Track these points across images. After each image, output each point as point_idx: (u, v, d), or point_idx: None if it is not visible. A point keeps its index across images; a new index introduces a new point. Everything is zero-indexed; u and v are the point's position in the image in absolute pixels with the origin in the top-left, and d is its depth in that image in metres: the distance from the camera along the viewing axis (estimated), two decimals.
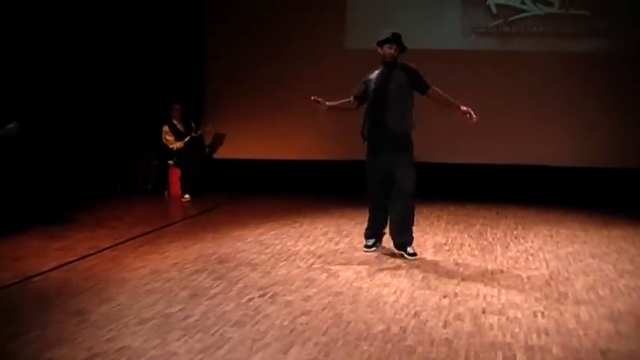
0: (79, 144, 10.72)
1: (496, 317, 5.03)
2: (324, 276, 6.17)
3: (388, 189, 6.92)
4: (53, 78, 10.24)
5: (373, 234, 7.25)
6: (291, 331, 4.70)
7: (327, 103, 7.05)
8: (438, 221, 8.95)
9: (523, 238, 7.97)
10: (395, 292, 5.68)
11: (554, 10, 11.36)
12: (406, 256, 6.85)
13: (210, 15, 12.15)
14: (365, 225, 7.33)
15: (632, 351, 4.38)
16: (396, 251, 7.00)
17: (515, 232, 8.31)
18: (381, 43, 6.87)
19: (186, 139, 11.23)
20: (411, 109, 6.91)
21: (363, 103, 7.06)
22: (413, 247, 6.94)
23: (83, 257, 6.82)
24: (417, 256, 6.86)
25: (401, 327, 4.79)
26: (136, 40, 11.45)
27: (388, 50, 6.83)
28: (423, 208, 9.46)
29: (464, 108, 6.86)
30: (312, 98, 6.96)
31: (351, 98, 7.11)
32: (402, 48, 6.88)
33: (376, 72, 7.01)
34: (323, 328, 4.75)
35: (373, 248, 7.19)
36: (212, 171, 11.56)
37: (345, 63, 11.69)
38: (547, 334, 4.67)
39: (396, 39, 6.84)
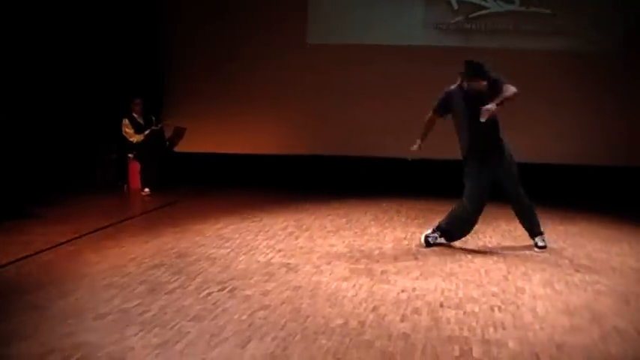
0: (38, 138, 10.56)
1: (453, 311, 5.07)
2: (283, 270, 6.17)
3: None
4: (9, 73, 10.06)
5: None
6: (250, 325, 4.69)
7: (418, 141, 7.20)
8: (398, 216, 8.99)
9: (482, 233, 8.02)
10: (354, 286, 5.70)
11: (515, 8, 11.48)
12: (535, 248, 7.18)
13: (172, 9, 12.10)
14: (445, 226, 7.35)
15: (587, 344, 4.44)
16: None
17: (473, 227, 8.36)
18: (474, 78, 6.97)
19: (146, 132, 11.15)
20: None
21: (443, 116, 7.18)
22: (543, 240, 7.26)
23: (41, 252, 6.74)
24: (546, 249, 7.14)
25: (359, 321, 4.81)
26: (96, 35, 11.34)
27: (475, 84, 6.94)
28: (388, 202, 9.54)
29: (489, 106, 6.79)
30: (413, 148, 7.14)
31: (431, 114, 7.18)
32: None
33: (458, 89, 7.10)
34: (281, 323, 4.75)
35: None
36: (172, 165, 11.49)
37: (307, 57, 11.73)
38: (504, 328, 4.72)
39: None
